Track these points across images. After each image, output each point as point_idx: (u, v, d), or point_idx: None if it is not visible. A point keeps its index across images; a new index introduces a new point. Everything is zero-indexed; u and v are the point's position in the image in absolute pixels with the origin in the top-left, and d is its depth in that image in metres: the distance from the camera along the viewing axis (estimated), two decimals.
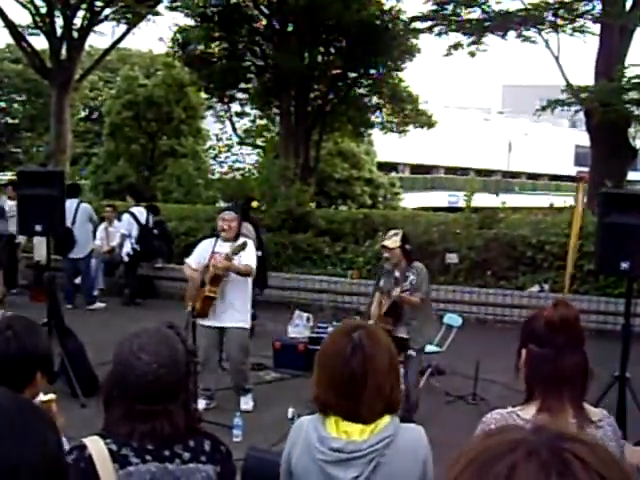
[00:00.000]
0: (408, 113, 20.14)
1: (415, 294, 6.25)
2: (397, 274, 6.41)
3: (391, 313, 6.35)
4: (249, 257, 6.53)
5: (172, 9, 17.94)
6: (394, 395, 2.22)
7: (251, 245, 6.66)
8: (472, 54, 16.28)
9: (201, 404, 6.46)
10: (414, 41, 18.04)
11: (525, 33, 15.49)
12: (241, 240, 6.54)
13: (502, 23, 15.10)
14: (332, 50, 18.22)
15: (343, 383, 2.17)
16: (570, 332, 2.30)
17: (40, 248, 10.80)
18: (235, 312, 6.59)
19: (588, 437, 0.88)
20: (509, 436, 0.85)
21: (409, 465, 2.17)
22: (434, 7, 15.37)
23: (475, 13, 15.40)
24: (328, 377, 2.21)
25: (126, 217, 11.66)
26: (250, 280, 6.71)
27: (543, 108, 15.07)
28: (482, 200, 13.67)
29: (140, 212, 11.66)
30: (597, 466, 0.79)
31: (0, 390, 0.97)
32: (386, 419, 2.19)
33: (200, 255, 6.67)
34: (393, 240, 6.47)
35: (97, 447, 2.00)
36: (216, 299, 6.50)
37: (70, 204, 10.79)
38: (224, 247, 6.51)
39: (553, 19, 14.86)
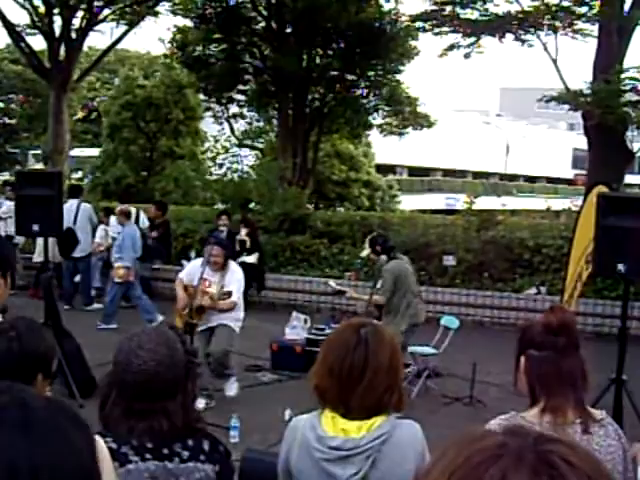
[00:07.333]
0: (406, 115, 20.16)
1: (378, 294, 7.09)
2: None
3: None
4: (235, 283, 6.85)
5: (172, 11, 17.96)
6: (388, 396, 2.22)
7: (238, 270, 7.01)
8: (467, 56, 16.29)
9: (201, 404, 6.58)
10: (412, 43, 18.06)
11: (523, 36, 15.51)
12: (227, 288, 6.80)
13: (500, 25, 15.13)
14: (330, 52, 18.22)
15: (342, 373, 2.21)
16: (568, 335, 2.32)
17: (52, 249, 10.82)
18: (224, 314, 6.89)
19: (567, 438, 0.86)
20: (488, 442, 0.81)
21: (406, 460, 2.19)
22: (433, 7, 15.39)
23: (473, 14, 15.42)
24: (329, 365, 2.25)
25: (113, 219, 11.60)
26: (241, 294, 7.02)
27: (544, 100, 15.09)
28: (480, 202, 13.68)
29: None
30: (583, 467, 0.77)
31: (29, 392, 0.94)
32: (382, 416, 2.21)
33: (191, 274, 6.95)
34: (364, 249, 7.45)
35: (97, 446, 2.00)
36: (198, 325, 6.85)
37: (71, 204, 10.82)
38: (213, 276, 6.84)
39: (551, 22, 14.88)
